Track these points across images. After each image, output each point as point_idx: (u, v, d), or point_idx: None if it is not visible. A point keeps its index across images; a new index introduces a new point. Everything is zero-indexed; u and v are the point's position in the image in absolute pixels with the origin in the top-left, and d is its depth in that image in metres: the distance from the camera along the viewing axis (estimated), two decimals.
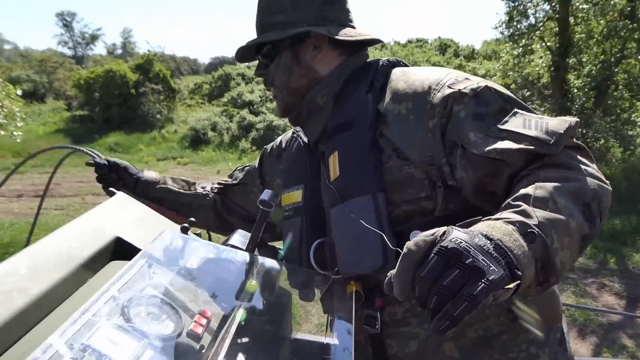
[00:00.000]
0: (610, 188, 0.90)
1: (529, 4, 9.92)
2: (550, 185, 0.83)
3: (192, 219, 1.10)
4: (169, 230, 1.01)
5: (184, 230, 1.04)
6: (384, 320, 1.10)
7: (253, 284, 0.98)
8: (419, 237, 0.69)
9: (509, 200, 0.84)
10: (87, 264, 0.93)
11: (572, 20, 9.30)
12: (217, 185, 1.56)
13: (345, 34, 1.16)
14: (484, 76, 14.90)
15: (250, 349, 0.87)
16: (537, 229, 0.74)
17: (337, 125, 1.15)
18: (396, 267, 0.69)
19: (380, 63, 1.20)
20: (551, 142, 0.90)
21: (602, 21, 8.80)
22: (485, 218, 0.77)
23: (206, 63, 48.22)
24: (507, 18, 10.09)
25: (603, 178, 0.90)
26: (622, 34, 8.47)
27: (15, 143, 12.50)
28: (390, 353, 1.12)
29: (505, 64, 10.81)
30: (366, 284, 1.09)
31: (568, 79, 9.58)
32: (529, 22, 9.97)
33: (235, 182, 1.53)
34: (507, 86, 10.38)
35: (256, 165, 1.49)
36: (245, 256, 1.04)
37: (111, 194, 1.20)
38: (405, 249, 0.69)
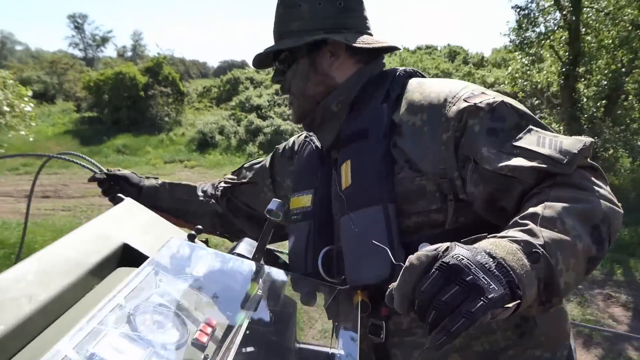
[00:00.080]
0: (622, 211, 0.89)
1: (539, 12, 9.89)
2: (559, 205, 0.83)
3: (199, 226, 1.11)
4: (176, 237, 1.01)
5: (191, 238, 1.04)
6: (389, 330, 1.10)
7: (259, 293, 0.99)
8: (421, 252, 0.70)
9: (516, 218, 0.84)
10: (94, 270, 0.93)
11: (583, 30, 9.26)
12: (224, 184, 1.55)
13: (362, 42, 1.16)
14: (492, 84, 14.90)
15: (255, 359, 0.87)
16: (542, 249, 0.74)
17: (351, 134, 1.15)
18: (397, 280, 0.70)
19: (397, 73, 1.20)
20: (564, 162, 0.89)
21: (613, 31, 8.76)
22: (491, 235, 0.77)
23: (215, 66, 48.46)
24: (516, 26, 10.07)
25: (615, 200, 0.89)
26: (634, 44, 8.44)
27: (23, 144, 12.60)
28: None
29: (514, 71, 10.77)
30: (372, 293, 1.09)
31: (578, 88, 9.54)
32: (538, 30, 9.94)
33: (244, 180, 1.53)
34: (514, 95, 10.36)
35: (267, 165, 1.49)
36: (252, 265, 1.04)
37: (118, 201, 1.20)
38: (407, 263, 0.70)
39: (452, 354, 1.07)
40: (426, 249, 0.70)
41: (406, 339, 1.10)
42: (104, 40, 62.37)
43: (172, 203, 1.55)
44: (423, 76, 1.23)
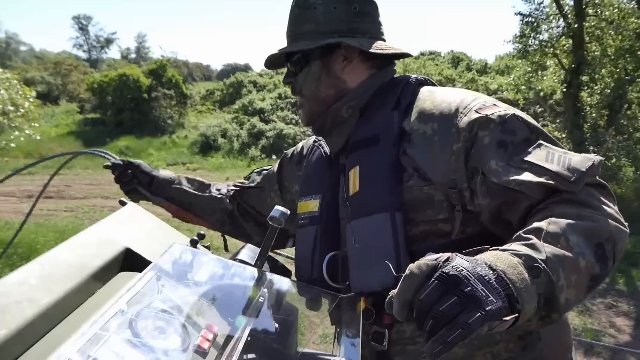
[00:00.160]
0: (628, 230, 0.88)
1: (543, 20, 9.90)
2: (564, 221, 0.82)
3: (202, 232, 1.11)
4: (179, 243, 1.01)
5: (194, 244, 1.04)
6: (392, 338, 1.10)
7: (261, 299, 0.99)
8: (422, 261, 0.70)
9: (520, 232, 0.84)
10: (96, 274, 0.94)
11: (587, 38, 9.26)
12: (233, 187, 1.56)
13: (375, 47, 1.16)
14: (495, 91, 14.90)
15: None
16: (544, 264, 0.74)
17: (360, 140, 1.15)
18: (397, 287, 0.71)
19: (408, 80, 1.20)
20: (572, 179, 0.89)
21: (616, 40, 8.76)
22: (493, 248, 0.77)
23: (218, 69, 48.59)
24: (519, 33, 10.07)
25: (622, 220, 0.89)
26: (638, 53, 8.44)
27: (26, 144, 12.63)
28: None
29: (517, 78, 10.78)
30: (376, 300, 1.09)
31: (581, 96, 9.53)
32: (540, 38, 9.94)
33: (252, 184, 1.53)
34: (516, 102, 10.37)
35: (275, 170, 1.49)
36: (254, 271, 1.04)
37: (122, 204, 1.21)
38: (408, 271, 0.70)
39: None
40: (427, 258, 0.70)
41: (409, 347, 1.10)
42: (108, 41, 62.67)
43: (184, 195, 1.55)
44: (434, 84, 1.23)
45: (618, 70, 8.91)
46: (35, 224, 7.09)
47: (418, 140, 1.06)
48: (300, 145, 1.47)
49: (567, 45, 9.60)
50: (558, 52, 9.70)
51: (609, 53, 8.89)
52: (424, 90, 1.16)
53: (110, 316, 0.76)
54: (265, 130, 15.05)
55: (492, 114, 1.00)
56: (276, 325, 1.01)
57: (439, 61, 21.59)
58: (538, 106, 11.17)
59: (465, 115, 1.02)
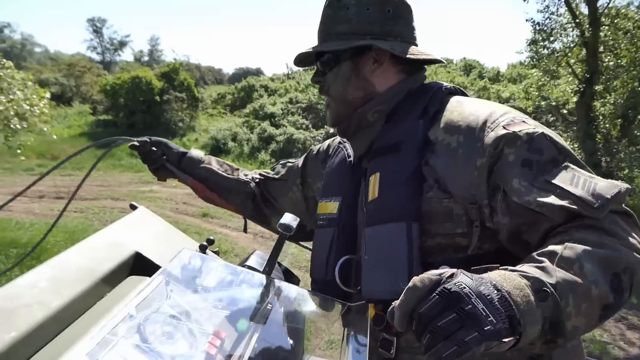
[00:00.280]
0: None
1: (556, 28, 9.86)
2: (581, 247, 0.80)
3: (211, 237, 1.11)
4: (188, 248, 1.01)
5: (203, 249, 1.04)
6: (400, 346, 1.09)
7: (269, 306, 0.98)
8: (426, 274, 0.70)
9: (534, 253, 0.82)
10: (106, 278, 0.94)
11: (601, 47, 9.21)
12: (259, 176, 1.57)
13: (407, 52, 1.15)
14: (508, 99, 14.83)
15: None
16: (552, 289, 0.73)
17: (384, 146, 1.14)
18: (399, 298, 0.71)
19: (438, 88, 1.18)
20: (595, 205, 0.86)
21: (631, 50, 8.70)
22: (502, 267, 0.76)
23: (230, 73, 48.79)
24: (532, 39, 10.04)
25: None
26: None
27: (39, 144, 12.74)
28: None
29: (529, 86, 10.74)
30: (386, 308, 1.08)
31: (594, 106, 9.47)
32: (552, 46, 9.90)
33: (276, 176, 1.54)
34: (524, 109, 10.31)
35: (300, 165, 1.49)
36: (262, 278, 1.04)
37: (133, 208, 1.21)
38: (411, 283, 0.70)
39: None
40: (431, 272, 0.70)
41: (417, 357, 1.09)
42: (122, 44, 63.26)
43: (211, 175, 1.56)
44: (465, 94, 1.21)
45: (632, 80, 8.85)
46: (45, 224, 7.15)
47: (442, 151, 1.05)
48: (326, 143, 1.46)
49: (581, 55, 9.55)
50: (572, 60, 9.65)
51: (623, 63, 8.83)
52: (453, 100, 1.13)
53: (118, 320, 0.76)
54: (276, 134, 15.08)
55: (520, 131, 0.97)
56: (284, 332, 1.01)
57: (450, 68, 21.54)
58: (550, 115, 11.10)
59: (492, 131, 1.00)
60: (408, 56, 1.14)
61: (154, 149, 1.53)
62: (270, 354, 0.95)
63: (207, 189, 1.55)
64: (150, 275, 0.90)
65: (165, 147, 1.55)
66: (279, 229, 1.02)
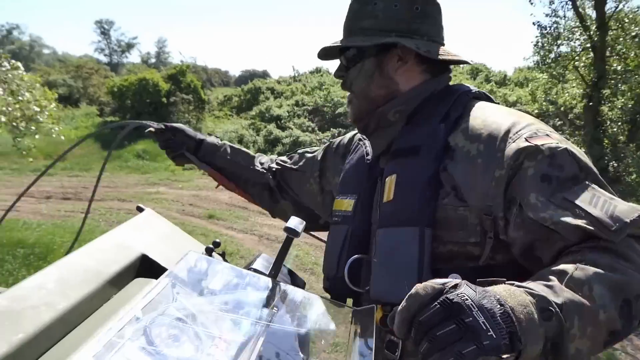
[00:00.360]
0: None
1: (564, 32, 9.83)
2: (592, 270, 0.79)
3: (217, 240, 1.11)
4: (194, 251, 1.02)
5: (209, 252, 1.04)
6: (406, 349, 1.09)
7: (274, 309, 0.98)
8: (429, 282, 0.69)
9: (544, 270, 0.81)
10: (113, 280, 0.95)
11: (608, 51, 9.18)
12: (276, 166, 1.56)
13: (433, 52, 1.13)
14: (514, 103, 14.77)
15: None
16: (557, 309, 0.72)
17: (402, 148, 1.12)
18: (401, 304, 0.70)
19: (462, 92, 1.15)
20: (613, 228, 0.83)
21: (639, 55, 8.67)
22: (509, 282, 0.75)
23: (237, 75, 48.91)
24: (539, 43, 10.01)
25: None
26: None
27: (46, 145, 12.81)
28: None
29: (535, 88, 10.72)
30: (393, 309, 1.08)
31: (601, 110, 9.43)
32: (559, 50, 9.88)
33: (294, 167, 1.53)
34: (530, 112, 10.27)
35: (319, 158, 1.48)
36: (268, 281, 1.04)
37: (140, 210, 1.22)
38: (413, 290, 0.69)
39: None
40: (434, 281, 0.69)
41: None
42: (129, 46, 63.59)
43: (229, 165, 1.56)
44: (491, 99, 1.18)
45: None
46: (52, 224, 7.19)
47: (461, 158, 1.03)
48: (347, 137, 1.45)
49: (588, 58, 9.52)
50: (579, 64, 9.62)
51: (631, 67, 8.80)
52: (477, 106, 1.11)
53: (125, 323, 0.76)
54: (282, 137, 15.11)
55: (542, 144, 0.95)
56: (289, 335, 1.01)
57: (457, 72, 21.50)
58: (557, 119, 11.06)
59: (513, 142, 0.97)
60: (433, 56, 1.12)
61: (173, 137, 1.53)
62: (275, 357, 0.94)
63: (225, 178, 1.56)
64: (156, 278, 0.91)
65: (183, 134, 1.55)
66: (285, 232, 1.02)
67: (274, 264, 1.06)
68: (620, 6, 9.24)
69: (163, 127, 1.53)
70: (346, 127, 15.00)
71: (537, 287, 0.75)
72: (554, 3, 9.90)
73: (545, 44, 9.91)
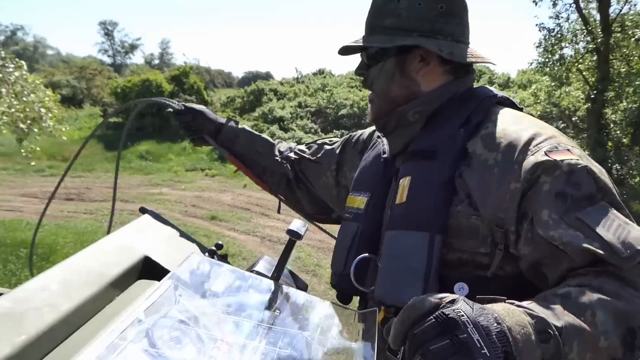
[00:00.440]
0: None
1: (568, 34, 9.83)
2: (597, 296, 0.77)
3: (220, 242, 1.11)
4: (197, 253, 1.02)
5: (211, 254, 1.05)
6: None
7: (276, 312, 0.98)
8: (427, 296, 0.69)
9: (548, 292, 0.80)
10: (115, 282, 0.95)
11: (612, 54, 9.17)
12: (294, 155, 1.54)
13: (456, 53, 1.10)
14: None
15: None
16: (556, 332, 0.70)
17: (419, 150, 1.10)
18: (397, 316, 0.70)
19: (486, 96, 1.13)
20: (623, 255, 0.81)
21: None
22: (509, 301, 0.73)
23: (240, 77, 48.98)
24: (542, 45, 10.01)
25: None
26: None
27: (50, 146, 12.84)
28: None
29: (538, 90, 10.71)
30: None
31: (605, 113, 9.41)
32: (562, 52, 9.86)
33: (312, 157, 1.51)
34: (532, 114, 10.26)
35: (337, 151, 1.47)
36: (270, 284, 1.04)
37: (143, 212, 1.22)
38: (410, 302, 0.69)
39: None
40: (432, 295, 0.69)
41: None
42: (133, 47, 63.77)
43: (248, 152, 1.55)
44: (516, 105, 1.16)
45: None
46: (55, 225, 7.21)
47: (478, 166, 1.00)
48: (366, 132, 1.43)
49: (592, 61, 9.51)
50: (583, 67, 9.61)
51: (635, 70, 8.79)
52: (499, 113, 1.08)
53: (127, 325, 0.76)
54: (285, 138, 15.12)
55: (561, 160, 0.92)
56: (292, 338, 1.01)
57: None
58: (561, 122, 11.05)
59: (532, 155, 0.95)
60: (456, 58, 1.10)
61: (192, 119, 1.52)
62: (278, 359, 0.94)
63: (243, 165, 1.55)
64: (159, 279, 0.91)
65: (203, 117, 1.54)
66: (287, 234, 1.02)
67: (276, 267, 1.06)
68: (625, 9, 9.25)
69: (183, 107, 1.52)
70: (348, 128, 15.01)
71: (538, 308, 0.73)
72: (557, 5, 9.91)
73: (548, 47, 9.90)
